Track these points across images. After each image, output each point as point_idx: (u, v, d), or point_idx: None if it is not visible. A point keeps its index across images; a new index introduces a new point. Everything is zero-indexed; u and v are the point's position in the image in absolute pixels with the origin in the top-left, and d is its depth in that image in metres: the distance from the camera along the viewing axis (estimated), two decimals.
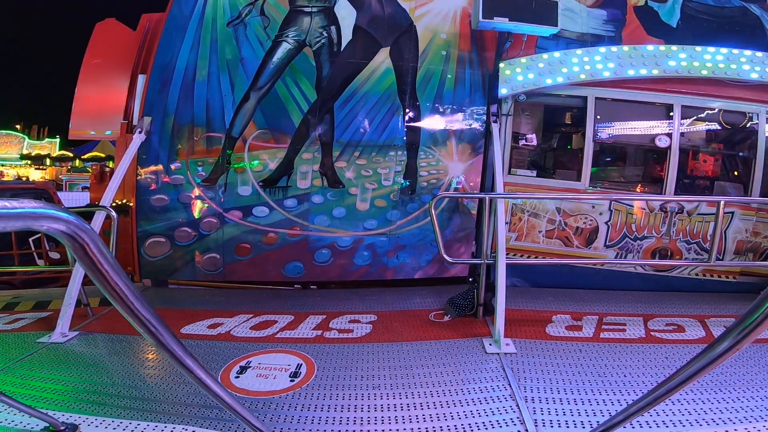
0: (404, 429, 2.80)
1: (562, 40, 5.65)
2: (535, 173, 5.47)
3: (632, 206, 5.35)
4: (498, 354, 3.74)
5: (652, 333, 4.16)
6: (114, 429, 2.67)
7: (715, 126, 5.43)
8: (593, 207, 5.32)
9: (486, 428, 2.79)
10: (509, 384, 3.27)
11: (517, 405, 2.99)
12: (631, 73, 5.19)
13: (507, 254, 5.47)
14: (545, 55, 5.31)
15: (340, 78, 5.28)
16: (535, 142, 5.63)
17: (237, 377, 3.37)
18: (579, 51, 5.27)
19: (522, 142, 5.59)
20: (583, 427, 2.74)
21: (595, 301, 4.99)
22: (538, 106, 5.67)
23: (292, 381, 3.34)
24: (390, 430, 2.79)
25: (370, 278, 5.49)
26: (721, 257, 5.27)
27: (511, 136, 5.49)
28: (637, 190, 5.48)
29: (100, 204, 4.23)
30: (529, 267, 5.55)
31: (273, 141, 5.18)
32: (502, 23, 4.86)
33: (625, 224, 5.32)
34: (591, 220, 5.36)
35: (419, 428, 2.80)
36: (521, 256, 5.50)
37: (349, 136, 5.27)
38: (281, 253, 5.24)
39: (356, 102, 5.28)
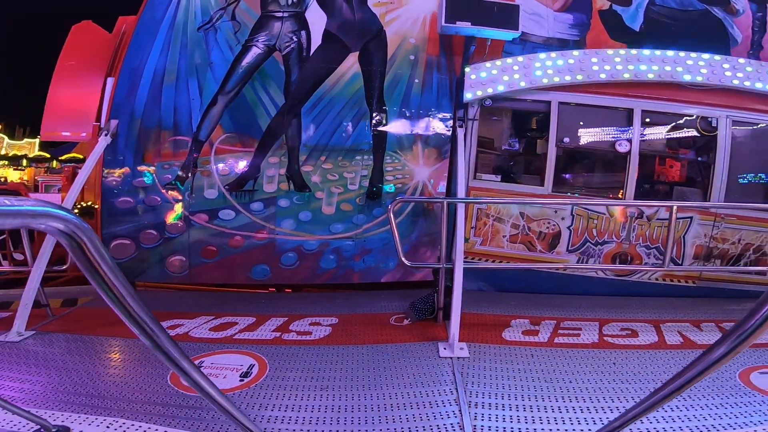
0: (344, 430, 2.85)
1: (528, 45, 5.75)
2: (499, 178, 5.56)
3: (598, 212, 5.43)
4: (451, 358, 3.77)
5: (605, 338, 4.22)
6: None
7: (675, 131, 5.52)
8: (556, 212, 5.41)
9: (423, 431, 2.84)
10: (456, 389, 3.29)
11: (460, 410, 3.01)
12: (592, 77, 5.27)
13: (473, 258, 5.63)
14: (510, 60, 5.38)
15: (309, 82, 5.36)
16: (517, 147, 5.73)
17: None
18: (542, 55, 5.35)
19: (504, 147, 5.70)
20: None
21: (556, 306, 5.04)
22: (505, 111, 5.76)
23: (241, 381, 3.39)
24: (329, 430, 2.85)
25: (337, 281, 5.56)
26: (680, 262, 5.37)
27: (477, 140, 5.57)
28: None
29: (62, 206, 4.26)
30: (494, 271, 5.64)
31: (240, 145, 5.24)
32: (464, 27, 4.95)
33: (587, 229, 5.42)
34: (554, 225, 5.45)
35: (359, 430, 2.86)
36: (486, 260, 5.58)
37: (315, 140, 5.34)
38: (248, 256, 5.29)
39: (324, 106, 5.35)
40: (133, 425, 2.74)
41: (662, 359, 3.78)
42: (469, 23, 4.91)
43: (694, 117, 5.39)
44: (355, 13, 5.61)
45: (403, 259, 4.40)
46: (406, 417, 3.00)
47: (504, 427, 2.85)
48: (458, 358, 3.78)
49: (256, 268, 5.34)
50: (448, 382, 3.43)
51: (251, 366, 3.63)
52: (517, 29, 5.03)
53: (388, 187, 5.51)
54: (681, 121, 5.47)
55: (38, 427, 2.49)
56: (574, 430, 2.81)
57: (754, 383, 3.26)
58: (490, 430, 2.83)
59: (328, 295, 5.69)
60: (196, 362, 3.63)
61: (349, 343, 4.14)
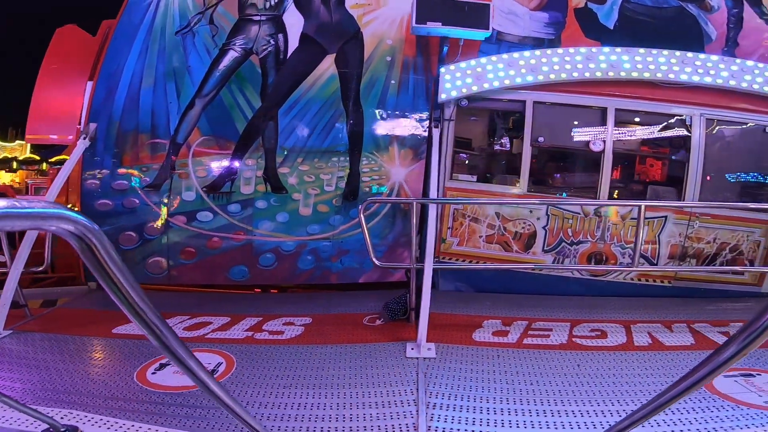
0: (299, 427, 2.90)
1: (504, 44, 5.78)
2: (475, 178, 5.60)
3: (572, 212, 5.46)
4: (417, 358, 3.78)
5: (573, 339, 4.22)
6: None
7: (649, 129, 5.53)
8: (531, 212, 5.44)
9: (378, 431, 2.88)
10: (417, 389, 3.31)
11: (417, 410, 3.04)
12: (563, 76, 5.29)
13: (450, 259, 5.68)
14: (484, 60, 5.42)
15: (285, 85, 5.42)
16: (508, 146, 5.76)
17: (154, 373, 3.50)
18: (516, 55, 5.38)
19: (498, 148, 5.75)
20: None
21: (531, 306, 5.05)
22: (483, 111, 5.80)
23: None
24: (286, 427, 2.90)
25: (316, 282, 5.63)
26: (655, 262, 5.39)
27: (454, 140, 5.60)
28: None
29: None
30: (472, 272, 5.68)
31: (217, 147, 5.32)
32: (435, 28, 4.99)
33: (562, 229, 5.45)
34: (529, 225, 5.48)
35: (314, 427, 2.90)
36: (463, 260, 5.63)
37: (292, 142, 5.41)
38: (226, 257, 5.37)
39: (300, 109, 5.41)
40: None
41: (627, 361, 3.78)
42: (440, 23, 4.95)
43: (667, 115, 5.40)
44: (333, 15, 5.66)
45: (373, 259, 4.46)
46: (363, 416, 3.03)
47: (459, 429, 2.87)
48: (424, 358, 3.79)
49: (235, 269, 5.42)
50: (411, 382, 3.45)
51: (219, 364, 3.70)
52: (488, 28, 5.06)
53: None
54: (655, 120, 5.47)
55: (47, 426, 2.53)
56: None
57: (717, 388, 3.25)
58: (444, 431, 2.85)
59: (309, 295, 5.76)
60: (164, 360, 3.70)
61: (319, 343, 4.19)
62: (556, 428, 2.86)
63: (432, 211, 4.61)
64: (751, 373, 3.43)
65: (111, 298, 4.58)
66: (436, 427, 2.88)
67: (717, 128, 5.38)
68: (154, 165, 5.24)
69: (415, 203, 4.43)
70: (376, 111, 5.55)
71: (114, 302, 4.32)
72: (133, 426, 2.78)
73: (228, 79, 5.33)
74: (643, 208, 4.28)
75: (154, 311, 1.28)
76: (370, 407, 3.14)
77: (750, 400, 3.07)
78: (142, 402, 3.09)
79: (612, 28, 5.83)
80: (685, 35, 5.71)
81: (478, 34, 5.14)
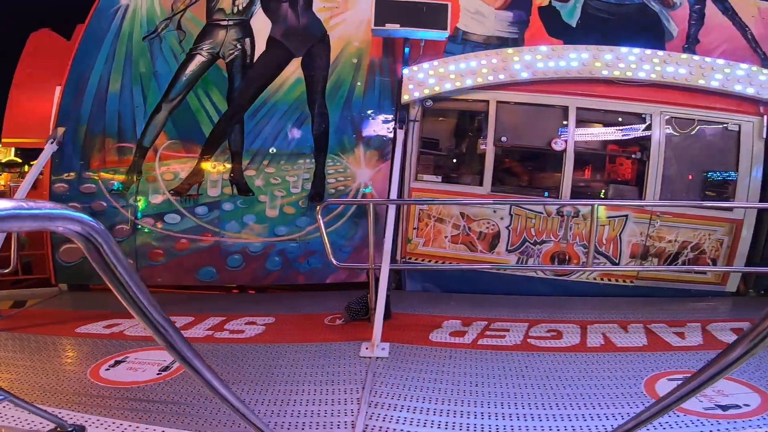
0: (234, 421, 2.93)
1: (469, 44, 5.84)
2: (440, 179, 5.66)
3: (535, 211, 5.51)
4: (369, 358, 3.83)
5: (528, 340, 4.23)
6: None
7: (611, 128, 5.57)
8: (495, 212, 5.51)
9: (314, 428, 2.92)
10: (363, 388, 3.35)
11: (359, 409, 3.07)
12: (524, 75, 5.34)
13: (415, 259, 5.75)
14: (447, 60, 5.48)
15: (251, 89, 5.50)
16: (472, 147, 5.80)
17: (107, 370, 3.59)
18: (478, 54, 5.44)
19: (462, 148, 5.79)
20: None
21: (494, 307, 5.09)
22: (448, 111, 5.86)
23: (158, 374, 3.53)
24: (226, 421, 2.96)
25: (283, 282, 5.72)
26: (617, 261, 5.44)
27: (420, 141, 5.67)
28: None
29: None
30: (439, 272, 5.75)
31: (184, 151, 5.41)
32: (393, 29, 5.05)
33: (525, 228, 5.51)
34: (493, 225, 5.54)
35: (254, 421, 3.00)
36: (429, 261, 5.69)
37: (258, 145, 5.49)
38: (194, 258, 5.46)
39: (266, 112, 5.49)
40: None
41: (576, 363, 3.79)
42: (399, 25, 5.01)
43: (628, 114, 5.44)
44: (300, 19, 5.73)
45: (331, 259, 4.53)
46: (304, 412, 3.07)
47: (395, 428, 2.90)
48: (377, 358, 3.83)
49: (203, 270, 5.51)
50: (359, 381, 3.48)
51: (173, 361, 3.77)
52: (447, 29, 5.11)
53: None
54: (616, 119, 5.51)
55: (54, 425, 2.55)
56: None
57: (659, 392, 3.24)
58: (380, 430, 2.88)
59: (278, 295, 5.85)
60: (120, 358, 3.81)
61: (278, 342, 4.25)
62: (490, 430, 2.88)
63: (391, 212, 4.67)
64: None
65: (80, 300, 4.70)
66: (374, 425, 2.92)
67: (677, 126, 5.41)
68: (121, 168, 5.34)
69: (371, 204, 4.50)
70: (342, 113, 5.62)
71: (82, 303, 4.41)
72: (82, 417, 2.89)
73: (194, 84, 5.42)
74: (596, 207, 4.34)
75: (160, 312, 1.29)
76: (313, 404, 3.19)
77: (689, 406, 3.01)
78: (90, 396, 3.18)
79: (575, 26, 5.86)
80: (646, 32, 5.72)
81: (437, 35, 5.20)
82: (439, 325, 4.61)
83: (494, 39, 5.88)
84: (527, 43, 5.80)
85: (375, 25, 5.05)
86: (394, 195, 4.89)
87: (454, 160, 5.91)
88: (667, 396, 1.44)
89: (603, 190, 5.56)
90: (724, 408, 2.95)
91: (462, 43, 5.86)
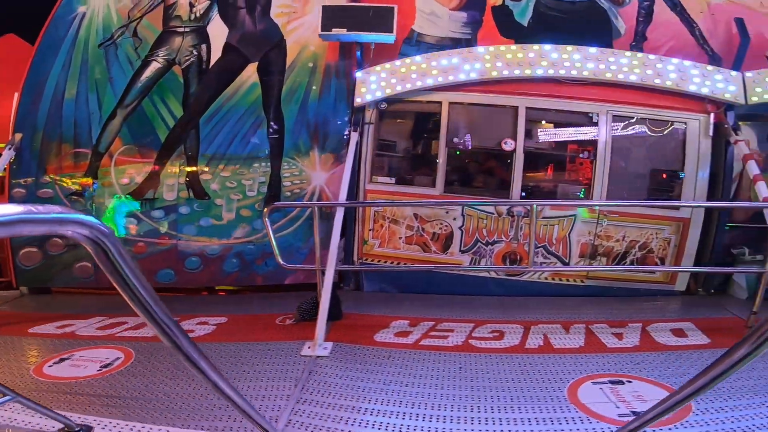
0: (165, 416, 3.05)
1: (423, 45, 5.91)
2: (394, 180, 5.75)
3: (486, 212, 5.59)
4: (310, 356, 3.91)
5: (470, 341, 4.27)
6: None
7: (560, 127, 5.62)
8: (447, 212, 5.59)
9: (236, 420, 2.98)
10: (296, 385, 3.44)
11: (286, 405, 3.17)
12: (473, 75, 5.39)
13: (372, 260, 5.84)
14: (399, 62, 5.56)
15: (207, 94, 5.61)
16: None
17: (50, 366, 3.71)
18: (428, 56, 5.50)
19: (417, 149, 5.85)
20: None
21: (445, 307, 5.14)
22: (403, 113, 5.94)
23: (99, 371, 3.65)
24: (154, 410, 3.09)
25: (242, 284, 5.82)
26: (567, 261, 5.52)
27: (373, 143, 5.75)
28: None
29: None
30: (395, 273, 5.85)
31: (139, 156, 5.51)
32: (341, 34, 5.14)
33: (477, 229, 5.59)
34: (446, 226, 5.63)
35: (181, 413, 3.06)
36: (385, 261, 5.78)
37: (214, 149, 5.60)
38: (152, 260, 5.57)
39: (222, 117, 5.59)
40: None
41: (511, 364, 3.82)
42: (345, 29, 5.09)
43: (576, 113, 5.49)
44: (257, 25, 5.83)
45: (279, 260, 4.62)
46: (231, 406, 3.20)
47: (317, 424, 2.97)
48: (317, 356, 3.92)
49: (161, 273, 5.61)
50: (293, 378, 3.56)
51: (117, 359, 3.87)
52: (393, 32, 5.18)
53: None
54: (564, 118, 5.56)
55: (61, 425, 2.61)
56: None
57: (580, 397, 3.25)
58: (302, 426, 2.96)
59: (237, 297, 5.95)
60: (66, 355, 3.91)
61: (225, 341, 4.32)
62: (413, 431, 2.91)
63: (339, 214, 4.75)
64: (622, 380, 3.44)
65: (39, 302, 4.80)
66: (297, 420, 3.00)
67: (624, 125, 5.46)
68: (78, 173, 5.45)
69: (316, 207, 4.59)
70: (297, 117, 5.71)
71: (41, 305, 4.50)
72: None
73: (150, 90, 5.52)
74: (535, 207, 4.41)
75: (167, 314, 1.30)
76: (250, 398, 3.22)
77: (604, 412, 3.03)
78: (29, 390, 3.26)
79: (526, 25, 5.92)
80: (595, 30, 5.76)
81: (384, 38, 5.27)
82: (387, 325, 4.66)
83: (448, 40, 5.96)
84: (480, 43, 5.86)
85: (322, 30, 5.13)
86: (343, 197, 4.98)
87: (409, 162, 5.98)
88: (671, 396, 1.45)
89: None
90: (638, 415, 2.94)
91: (417, 45, 5.94)
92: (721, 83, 5.16)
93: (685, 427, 2.83)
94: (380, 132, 5.89)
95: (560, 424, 2.93)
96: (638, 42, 5.79)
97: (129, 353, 3.99)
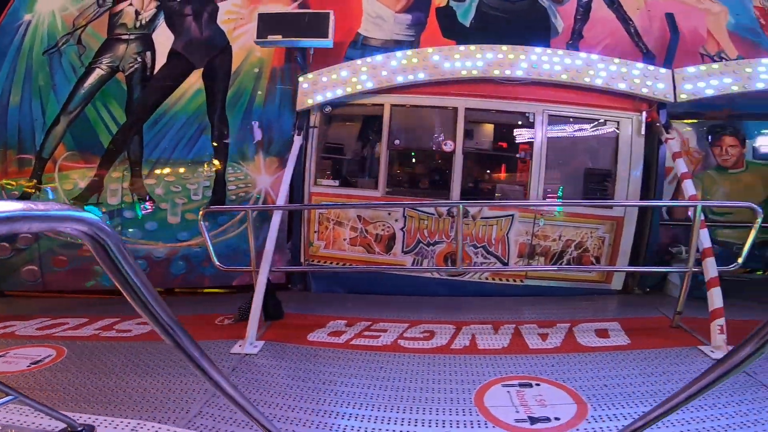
0: (85, 403, 3.15)
1: (368, 48, 6.00)
2: (338, 183, 5.85)
3: (427, 213, 5.67)
4: (239, 355, 3.99)
5: (399, 341, 4.31)
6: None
7: (498, 127, 5.70)
8: (389, 214, 5.69)
9: (155, 410, 3.09)
10: (248, 383, 3.50)
11: (201, 398, 3.22)
12: (411, 78, 5.47)
13: (318, 262, 5.93)
14: (340, 66, 5.64)
15: (151, 100, 5.70)
16: (370, 150, 5.96)
17: None
18: (368, 59, 5.59)
19: (360, 152, 5.91)
20: (241, 427, 2.88)
21: (386, 307, 5.21)
22: (348, 117, 6.02)
23: (28, 366, 3.73)
24: (75, 397, 3.20)
25: (190, 286, 5.90)
26: (506, 261, 5.61)
27: (318, 147, 5.85)
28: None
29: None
30: (342, 274, 5.94)
31: (83, 161, 5.60)
32: (276, 40, 5.23)
33: (418, 230, 5.69)
34: (388, 227, 5.73)
35: (101, 404, 3.15)
36: (331, 263, 5.87)
37: (158, 154, 5.69)
38: (98, 263, 5.62)
39: (166, 122, 5.69)
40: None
41: (433, 365, 3.84)
42: (281, 36, 5.18)
43: (514, 113, 5.55)
44: (203, 32, 5.92)
45: (215, 262, 4.70)
46: (147, 399, 3.24)
47: (225, 416, 3.02)
48: (245, 354, 3.99)
49: (106, 275, 5.66)
50: (232, 376, 3.62)
51: (48, 356, 3.94)
52: (328, 37, 5.26)
53: None
54: (503, 118, 5.63)
55: (64, 425, 2.62)
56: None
57: (485, 400, 3.25)
58: (211, 417, 3.03)
59: (185, 298, 6.01)
60: (1, 354, 3.97)
61: (156, 340, 4.35)
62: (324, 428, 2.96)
63: (275, 218, 4.82)
64: (531, 382, 3.43)
65: None
66: (207, 412, 3.07)
67: (560, 124, 5.54)
68: (22, 179, 5.54)
69: (250, 210, 4.68)
70: (242, 121, 5.81)
71: None
72: None
73: (93, 96, 5.61)
74: (461, 208, 4.50)
75: (167, 310, 1.28)
76: (162, 392, 3.34)
77: (503, 416, 3.01)
78: None
79: (468, 26, 5.99)
80: (535, 29, 5.82)
81: (320, 43, 5.36)
82: (323, 324, 4.72)
83: (392, 43, 6.05)
84: (422, 45, 5.93)
85: (257, 37, 5.23)
86: (282, 201, 5.06)
87: (353, 164, 6.06)
88: (673, 397, 1.43)
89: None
90: (533, 421, 2.90)
91: (362, 48, 6.04)
92: (650, 81, 5.21)
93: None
94: (327, 135, 5.98)
95: (459, 427, 2.95)
96: (575, 40, 5.85)
97: (62, 352, 4.06)
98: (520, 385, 3.42)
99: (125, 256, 1.11)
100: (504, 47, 5.40)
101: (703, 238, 4.26)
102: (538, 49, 5.41)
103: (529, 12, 6.00)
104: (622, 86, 5.25)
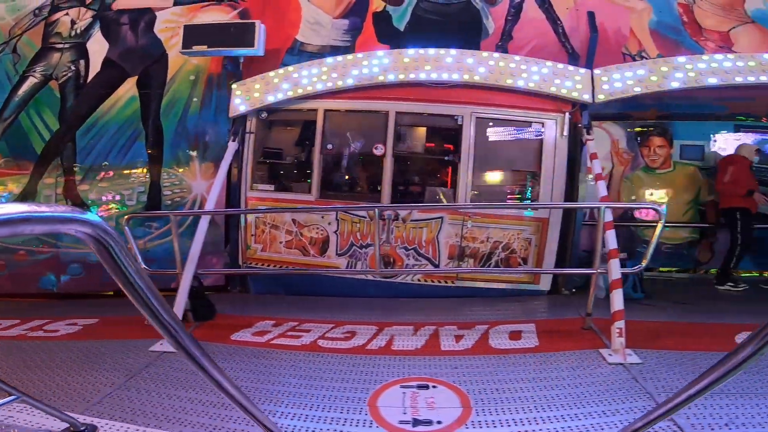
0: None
1: (305, 54, 6.09)
2: (273, 187, 5.93)
3: (359, 216, 5.77)
4: (157, 352, 4.06)
5: (319, 341, 4.35)
6: None
7: (428, 130, 5.78)
8: (323, 217, 5.78)
9: (61, 398, 3.16)
10: (127, 375, 3.58)
11: (108, 392, 3.30)
12: (339, 84, 5.53)
13: (256, 264, 6.02)
14: (272, 73, 5.69)
15: (84, 108, 5.78)
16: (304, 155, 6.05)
17: None
18: (299, 65, 5.67)
19: (295, 157, 6.01)
20: (137, 424, 2.94)
21: (318, 308, 5.28)
22: (289, 122, 6.11)
23: None
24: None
25: None
26: (437, 263, 5.69)
27: (254, 152, 5.93)
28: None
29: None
30: (282, 276, 6.03)
31: (16, 168, 5.67)
32: (201, 50, 5.32)
33: (351, 233, 5.78)
34: (322, 230, 5.82)
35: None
36: (268, 265, 5.96)
37: (91, 160, 5.76)
38: (34, 268, 5.72)
39: (100, 129, 5.77)
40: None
41: (346, 364, 3.87)
42: (206, 46, 5.27)
43: (443, 116, 5.61)
44: (139, 40, 6.01)
45: (143, 265, 4.78)
46: (65, 390, 3.33)
47: (125, 407, 3.12)
48: (163, 352, 4.07)
49: (44, 279, 5.77)
50: (132, 371, 3.70)
51: None
52: (255, 46, 5.35)
53: None
54: (432, 121, 5.70)
55: (66, 425, 2.60)
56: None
57: (380, 400, 3.25)
58: (112, 406, 3.10)
59: (124, 301, 6.05)
60: None
61: (83, 339, 4.50)
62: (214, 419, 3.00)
63: (203, 223, 4.90)
64: (429, 384, 3.44)
65: None
66: (108, 402, 3.15)
67: (487, 126, 5.60)
68: None
69: (172, 216, 4.77)
70: (177, 128, 5.89)
71: None
72: None
73: (27, 104, 5.68)
74: (376, 211, 4.60)
75: (170, 312, 1.29)
76: (77, 385, 3.42)
77: (389, 417, 3.03)
78: None
79: (403, 29, 6.08)
80: (467, 31, 5.88)
81: (246, 52, 5.45)
82: (251, 325, 4.77)
83: (328, 48, 6.15)
84: (358, 49, 6.04)
85: (182, 47, 5.32)
86: (211, 206, 5.13)
87: (288, 169, 6.14)
88: (675, 397, 1.41)
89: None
90: (416, 423, 2.92)
91: (298, 55, 6.14)
92: (570, 82, 5.26)
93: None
94: (265, 140, 6.07)
95: (345, 425, 3.00)
96: (504, 42, 5.93)
97: None
98: (418, 386, 3.43)
99: (129, 257, 1.12)
100: (431, 50, 5.44)
101: (609, 238, 4.23)
102: (465, 51, 5.47)
103: (462, 14, 6.08)
104: (542, 88, 5.29)
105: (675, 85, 5.01)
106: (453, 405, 3.19)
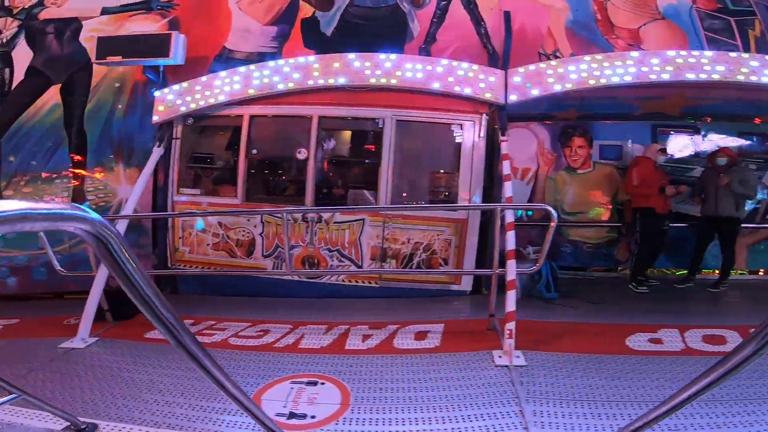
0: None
1: (233, 61, 6.14)
2: (199, 191, 6.01)
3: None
4: (65, 349, 4.14)
5: (230, 339, 4.42)
6: None
7: (350, 134, 5.89)
8: (248, 220, 5.86)
9: None
10: (29, 371, 3.65)
11: (19, 383, 3.39)
12: (250, 92, 5.61)
13: (184, 266, 6.08)
14: (197, 80, 5.75)
15: (6, 115, 5.80)
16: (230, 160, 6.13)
17: None
18: (223, 73, 5.74)
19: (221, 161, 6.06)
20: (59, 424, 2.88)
21: (242, 308, 5.34)
22: (217, 128, 6.15)
23: None
24: None
25: (53, 290, 5.99)
26: (360, 264, 5.79)
27: (180, 157, 5.99)
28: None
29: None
30: (208, 277, 6.11)
31: None
32: (115, 61, 5.39)
33: (276, 235, 5.86)
34: (248, 233, 5.91)
35: None
36: (196, 267, 6.03)
37: (15, 167, 5.79)
38: None
39: (23, 135, 5.79)
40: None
41: (249, 361, 3.94)
42: (120, 57, 5.34)
43: (364, 119, 5.68)
44: (64, 49, 6.05)
45: (57, 267, 4.82)
46: None
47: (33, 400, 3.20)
48: (72, 349, 4.16)
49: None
50: (43, 365, 3.81)
51: None
52: (170, 56, 5.42)
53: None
54: (354, 125, 5.79)
55: (67, 423, 2.62)
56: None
57: (266, 394, 3.28)
58: (23, 401, 3.10)
59: (49, 302, 6.08)
60: None
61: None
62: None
63: (120, 226, 4.97)
64: (317, 381, 3.50)
65: None
66: (37, 396, 3.21)
67: (406, 128, 5.66)
68: None
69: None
70: (102, 133, 5.94)
71: None
72: None
73: None
74: (285, 215, 4.67)
75: (169, 308, 1.29)
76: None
77: (268, 410, 3.02)
78: None
79: (329, 35, 6.15)
80: (392, 34, 5.94)
81: (162, 62, 5.52)
82: None
83: (255, 55, 6.21)
84: (285, 55, 6.07)
85: (96, 58, 5.38)
86: (130, 209, 5.18)
87: (215, 173, 6.19)
88: (673, 398, 1.40)
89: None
90: (291, 416, 3.00)
91: (227, 62, 6.20)
92: (483, 83, 5.33)
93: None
94: (195, 146, 6.13)
95: (222, 414, 3.06)
96: (428, 44, 5.98)
97: None
98: (308, 382, 3.50)
99: (127, 255, 1.12)
100: (351, 55, 5.51)
101: (509, 239, 4.28)
102: (384, 55, 5.54)
103: (389, 17, 6.14)
104: (457, 89, 5.36)
105: (569, 86, 5.12)
106: (333, 401, 3.25)
